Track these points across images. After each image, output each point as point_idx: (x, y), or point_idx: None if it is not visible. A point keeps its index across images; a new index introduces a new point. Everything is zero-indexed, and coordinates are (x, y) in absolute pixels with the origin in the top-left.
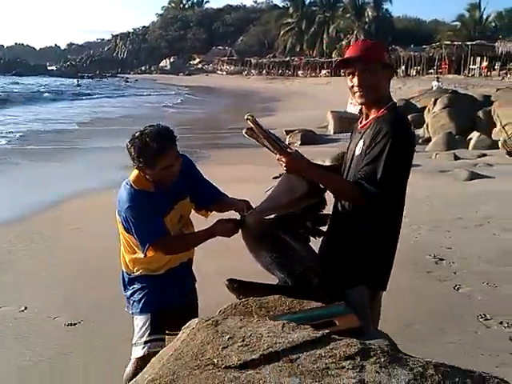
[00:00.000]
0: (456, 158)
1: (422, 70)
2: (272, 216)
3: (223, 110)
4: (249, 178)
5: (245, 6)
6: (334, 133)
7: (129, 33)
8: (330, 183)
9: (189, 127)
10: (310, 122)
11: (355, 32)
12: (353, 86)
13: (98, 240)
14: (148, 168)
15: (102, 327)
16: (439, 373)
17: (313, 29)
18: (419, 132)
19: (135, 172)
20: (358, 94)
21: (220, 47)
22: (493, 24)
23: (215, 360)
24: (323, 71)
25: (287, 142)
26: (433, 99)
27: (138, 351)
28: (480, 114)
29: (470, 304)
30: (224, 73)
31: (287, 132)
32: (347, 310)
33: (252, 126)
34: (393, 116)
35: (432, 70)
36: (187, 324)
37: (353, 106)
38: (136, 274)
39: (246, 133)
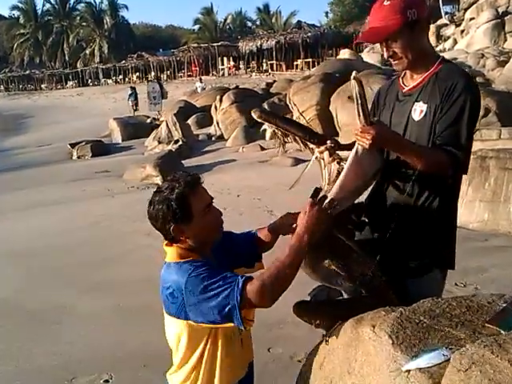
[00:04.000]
0: (262, 148)
1: (173, 73)
2: None
3: None
4: (62, 198)
5: None
6: (123, 140)
7: None
8: (423, 154)
9: None
10: (83, 132)
11: (97, 40)
12: (388, 57)
13: None
14: (187, 221)
15: None
16: None
17: (51, 39)
18: (210, 130)
19: (172, 249)
20: (394, 63)
21: None
22: (227, 26)
23: None
24: (70, 82)
25: (75, 156)
26: (218, 97)
27: None
28: (265, 105)
29: None
30: None
31: (72, 145)
32: None
33: (357, 86)
34: (458, 68)
35: (181, 74)
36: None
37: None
38: None
39: (259, 116)
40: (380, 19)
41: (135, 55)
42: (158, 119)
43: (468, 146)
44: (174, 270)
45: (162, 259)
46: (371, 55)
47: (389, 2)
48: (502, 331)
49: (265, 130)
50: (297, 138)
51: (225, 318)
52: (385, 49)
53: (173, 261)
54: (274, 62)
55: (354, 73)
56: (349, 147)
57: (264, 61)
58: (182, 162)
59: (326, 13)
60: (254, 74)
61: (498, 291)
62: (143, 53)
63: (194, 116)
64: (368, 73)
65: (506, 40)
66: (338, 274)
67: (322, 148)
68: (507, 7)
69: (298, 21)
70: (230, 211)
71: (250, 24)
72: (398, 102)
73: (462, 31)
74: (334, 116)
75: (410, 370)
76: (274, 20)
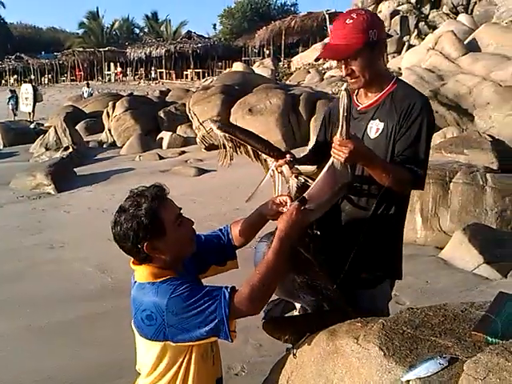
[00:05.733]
0: (160, 157)
1: (55, 77)
2: None
3: None
4: None
5: None
6: (4, 146)
7: None
8: (391, 171)
9: None
10: None
11: None
12: (346, 75)
13: None
14: (161, 236)
15: None
16: None
17: None
18: (101, 137)
19: (143, 268)
20: (351, 81)
21: None
22: (114, 32)
23: None
24: None
25: None
26: (110, 103)
27: None
28: (161, 114)
29: None
30: None
31: None
32: None
33: (345, 98)
34: (412, 88)
35: (64, 78)
36: None
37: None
38: None
39: (218, 127)
40: (342, 37)
41: (13, 57)
42: (43, 124)
43: (427, 163)
44: (150, 291)
45: (69, 273)
46: (262, 69)
47: (351, 21)
48: (489, 338)
49: (161, 139)
50: (250, 150)
51: (210, 332)
52: (343, 66)
53: (146, 281)
54: (164, 70)
55: (345, 84)
56: (306, 162)
57: (153, 69)
58: (75, 169)
59: (214, 25)
60: (142, 81)
61: (416, 297)
62: (22, 54)
63: (82, 122)
64: (267, 86)
65: (387, 60)
66: (301, 287)
67: (281, 161)
68: (388, 30)
69: (188, 31)
70: None
71: (137, 31)
72: (353, 119)
73: None
74: None
75: (409, 381)
76: (162, 28)
